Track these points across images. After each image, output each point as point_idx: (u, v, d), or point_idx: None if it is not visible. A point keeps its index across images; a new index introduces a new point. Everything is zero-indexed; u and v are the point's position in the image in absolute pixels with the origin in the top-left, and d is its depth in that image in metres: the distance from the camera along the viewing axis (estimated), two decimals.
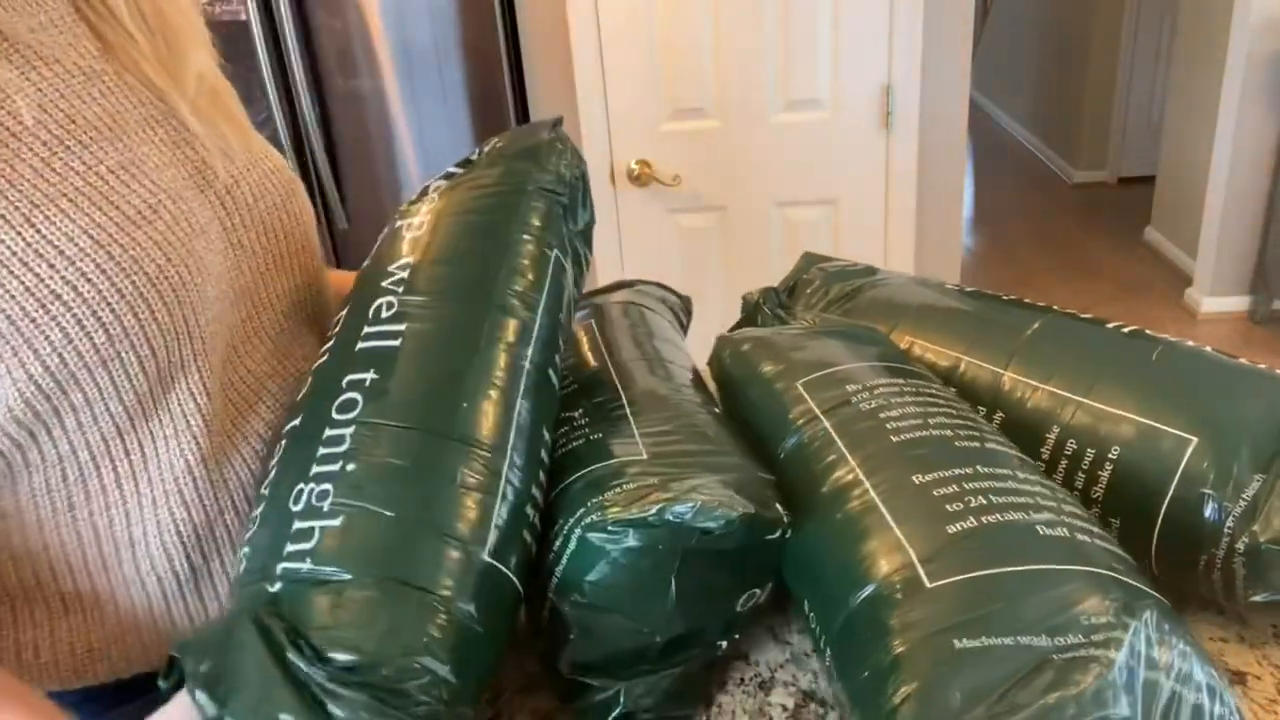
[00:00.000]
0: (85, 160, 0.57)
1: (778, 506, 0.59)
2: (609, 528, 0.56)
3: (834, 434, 0.63)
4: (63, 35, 0.59)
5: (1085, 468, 0.66)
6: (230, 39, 1.99)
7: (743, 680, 0.66)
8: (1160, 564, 0.64)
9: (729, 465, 0.61)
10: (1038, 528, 0.53)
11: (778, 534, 0.59)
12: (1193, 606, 0.68)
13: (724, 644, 0.64)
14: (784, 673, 0.66)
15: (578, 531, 0.58)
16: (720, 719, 0.63)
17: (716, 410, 0.71)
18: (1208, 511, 0.61)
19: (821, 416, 0.65)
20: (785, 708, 0.63)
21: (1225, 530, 0.60)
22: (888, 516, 0.56)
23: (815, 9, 2.05)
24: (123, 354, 0.56)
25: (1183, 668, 0.47)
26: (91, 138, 0.57)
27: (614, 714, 0.61)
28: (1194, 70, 3.70)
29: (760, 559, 0.61)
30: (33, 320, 0.52)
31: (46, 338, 0.53)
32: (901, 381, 0.67)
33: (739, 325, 0.91)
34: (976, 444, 0.60)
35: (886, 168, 2.18)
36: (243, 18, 1.96)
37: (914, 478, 0.57)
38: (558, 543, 0.59)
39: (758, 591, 0.63)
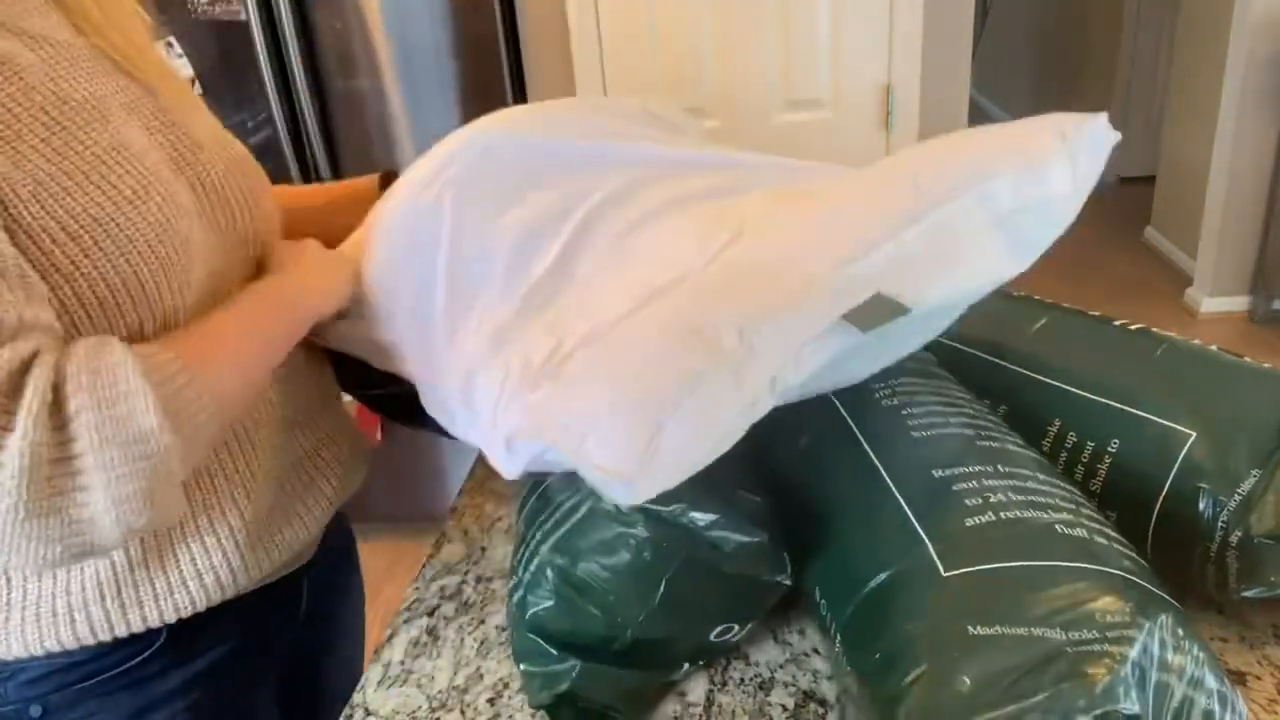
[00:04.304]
0: (81, 140, 0.57)
1: (786, 559, 0.61)
2: (623, 509, 0.57)
3: (854, 427, 0.64)
4: (45, 19, 0.61)
5: (1085, 460, 0.67)
6: (230, 39, 1.99)
7: (743, 680, 0.66)
8: (1156, 556, 0.64)
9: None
10: (1057, 527, 0.53)
11: (776, 580, 0.60)
12: (1192, 606, 0.67)
13: (685, 667, 0.65)
14: (784, 673, 0.66)
15: (590, 501, 0.58)
16: (720, 719, 0.63)
17: None
18: (1203, 505, 0.61)
19: (841, 408, 0.66)
20: (785, 708, 0.63)
21: (1220, 524, 0.60)
22: (905, 507, 0.56)
23: (815, 9, 2.05)
24: (115, 328, 0.57)
25: (1196, 673, 0.47)
26: (85, 119, 0.58)
27: (559, 688, 0.61)
28: (1194, 70, 3.70)
29: (751, 595, 0.62)
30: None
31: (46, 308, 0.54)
32: (923, 381, 0.68)
33: None
34: (997, 444, 0.61)
35: None
36: (242, 18, 1.96)
37: (934, 472, 0.58)
38: (569, 503, 0.60)
39: (736, 627, 0.64)
